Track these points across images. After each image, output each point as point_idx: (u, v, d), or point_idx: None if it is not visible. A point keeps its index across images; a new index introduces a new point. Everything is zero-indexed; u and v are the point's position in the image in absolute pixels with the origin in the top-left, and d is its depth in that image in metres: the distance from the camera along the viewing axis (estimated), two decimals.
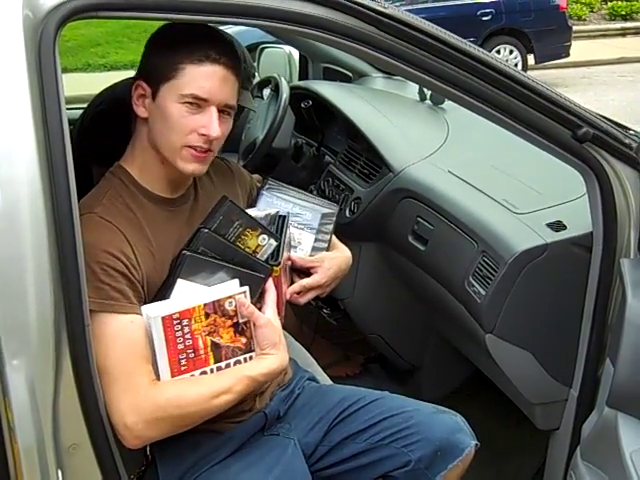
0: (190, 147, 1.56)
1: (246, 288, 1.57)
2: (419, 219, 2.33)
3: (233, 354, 1.58)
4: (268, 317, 1.58)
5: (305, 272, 1.83)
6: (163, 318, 1.49)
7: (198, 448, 1.66)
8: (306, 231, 1.89)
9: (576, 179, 1.81)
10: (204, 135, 1.55)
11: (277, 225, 1.75)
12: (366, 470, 1.77)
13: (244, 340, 1.58)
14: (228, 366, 1.58)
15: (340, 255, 1.91)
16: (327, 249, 1.90)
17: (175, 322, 1.50)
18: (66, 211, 1.32)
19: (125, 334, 1.48)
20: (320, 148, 2.95)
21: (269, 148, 2.73)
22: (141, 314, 1.52)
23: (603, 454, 1.64)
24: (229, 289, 1.56)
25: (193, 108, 1.53)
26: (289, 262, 1.80)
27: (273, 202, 1.87)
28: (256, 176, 3.15)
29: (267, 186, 1.89)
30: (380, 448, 1.76)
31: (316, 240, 1.90)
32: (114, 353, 1.46)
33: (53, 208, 1.31)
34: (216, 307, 1.54)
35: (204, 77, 1.53)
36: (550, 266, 1.91)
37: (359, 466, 1.77)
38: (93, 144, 2.14)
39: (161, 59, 1.54)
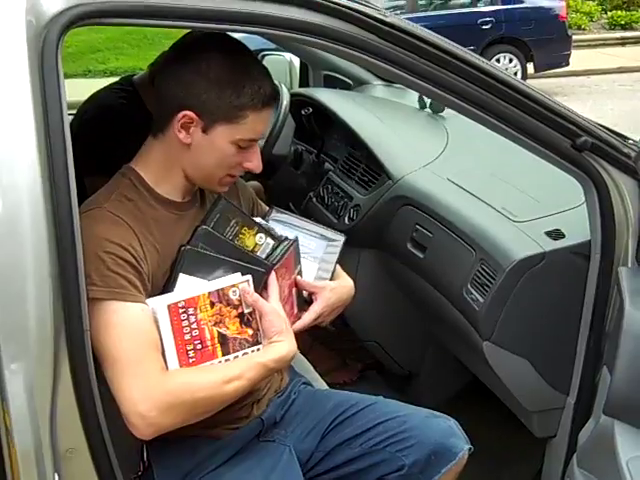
0: (230, 175, 1.64)
1: (249, 277, 1.59)
2: (418, 227, 2.34)
3: (240, 346, 1.59)
4: (273, 305, 1.59)
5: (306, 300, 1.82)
6: (169, 306, 1.50)
7: (195, 454, 1.66)
8: (309, 260, 1.88)
9: (575, 188, 1.82)
10: (248, 168, 1.63)
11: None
12: (361, 475, 1.77)
13: (250, 332, 1.59)
14: (236, 359, 1.58)
15: (342, 286, 1.89)
16: (330, 279, 1.89)
17: (181, 310, 1.51)
18: (66, 216, 1.32)
19: (135, 322, 1.48)
20: (320, 155, 2.95)
21: (269, 155, 2.74)
22: (149, 305, 1.52)
23: (599, 462, 1.65)
24: (232, 279, 1.58)
25: (243, 147, 1.59)
26: (294, 287, 1.80)
27: (278, 230, 1.87)
28: (255, 183, 3.17)
29: (272, 214, 1.90)
30: (374, 453, 1.76)
31: (319, 269, 1.89)
32: (125, 341, 1.45)
33: (54, 213, 1.31)
34: (220, 296, 1.55)
35: (262, 122, 1.59)
36: (548, 274, 1.92)
37: (354, 471, 1.77)
38: (82, 154, 2.14)
39: (222, 100, 1.53)
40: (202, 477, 1.65)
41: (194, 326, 1.53)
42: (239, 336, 1.58)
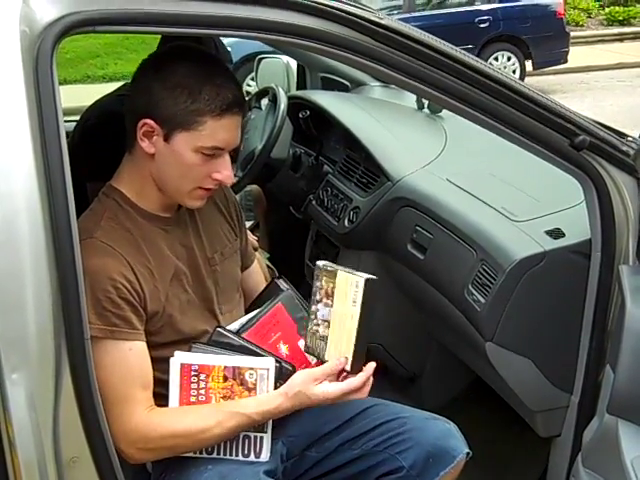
0: (201, 188, 1.61)
1: (270, 366, 1.58)
2: (418, 228, 2.33)
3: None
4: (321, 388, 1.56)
5: None
6: (182, 365, 1.56)
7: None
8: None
9: (574, 186, 1.81)
10: (217, 180, 1.60)
11: None
12: (361, 476, 1.77)
13: None
14: (237, 437, 1.62)
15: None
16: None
17: (193, 373, 1.56)
18: (64, 224, 1.32)
19: (123, 362, 1.52)
20: (318, 158, 2.95)
21: (267, 158, 2.74)
22: (142, 340, 1.56)
23: (604, 461, 1.64)
24: (253, 362, 1.59)
25: (209, 156, 1.57)
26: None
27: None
28: (254, 187, 3.17)
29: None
30: (375, 454, 1.76)
31: None
32: (112, 381, 1.50)
33: (51, 221, 1.31)
34: (235, 373, 1.57)
35: (224, 129, 1.56)
36: (549, 273, 1.91)
37: (355, 473, 1.77)
38: (85, 160, 2.15)
39: (177, 105, 1.52)
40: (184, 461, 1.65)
41: (202, 392, 1.57)
42: None
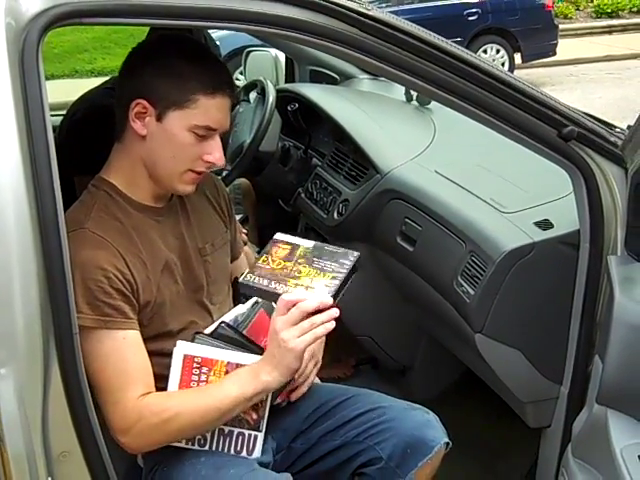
0: (192, 171, 1.61)
1: None
2: (407, 220, 2.33)
3: (240, 424, 1.62)
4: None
5: None
6: (185, 356, 1.55)
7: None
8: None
9: (562, 177, 1.82)
10: (209, 162, 1.60)
11: None
12: (342, 467, 1.77)
13: (255, 416, 1.61)
14: (231, 433, 1.62)
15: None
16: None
17: (195, 365, 1.55)
18: (52, 217, 1.32)
19: (117, 352, 1.51)
20: (307, 151, 2.95)
21: (256, 151, 2.74)
22: (136, 328, 1.55)
23: (594, 451, 1.64)
24: (255, 360, 1.57)
25: (201, 136, 1.57)
26: None
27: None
28: (243, 180, 3.16)
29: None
30: (355, 444, 1.75)
31: None
32: (106, 370, 1.50)
33: (38, 214, 1.30)
34: None
35: (217, 109, 1.57)
36: (538, 265, 1.92)
37: (336, 463, 1.77)
38: (72, 153, 2.14)
39: (170, 84, 1.53)
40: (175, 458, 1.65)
41: (202, 385, 1.56)
42: (242, 414, 1.60)
